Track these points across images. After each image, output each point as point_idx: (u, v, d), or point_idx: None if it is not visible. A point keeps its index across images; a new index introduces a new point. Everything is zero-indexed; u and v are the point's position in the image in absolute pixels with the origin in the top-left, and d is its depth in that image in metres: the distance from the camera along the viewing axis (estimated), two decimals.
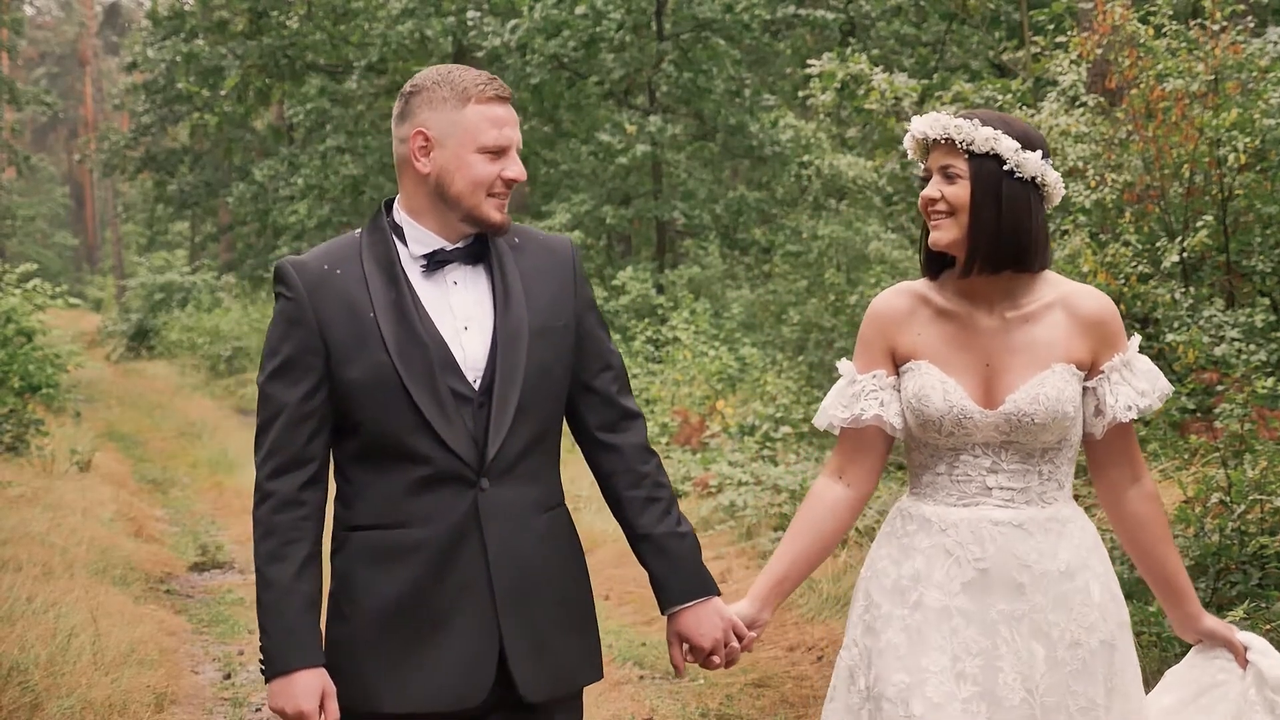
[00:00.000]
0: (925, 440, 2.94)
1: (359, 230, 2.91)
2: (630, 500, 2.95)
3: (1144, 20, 8.08)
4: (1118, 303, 6.28)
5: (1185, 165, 7.52)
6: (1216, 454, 6.14)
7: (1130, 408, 2.91)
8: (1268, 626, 5.10)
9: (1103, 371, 2.93)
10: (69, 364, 14.57)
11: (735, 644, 2.96)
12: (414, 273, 2.83)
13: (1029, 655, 2.82)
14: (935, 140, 2.91)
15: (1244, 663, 2.97)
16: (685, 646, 2.97)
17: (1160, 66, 7.58)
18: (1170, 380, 4.60)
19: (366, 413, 2.78)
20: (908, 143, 2.99)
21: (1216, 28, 7.67)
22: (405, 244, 2.85)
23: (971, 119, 2.89)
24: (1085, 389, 2.94)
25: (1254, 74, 7.54)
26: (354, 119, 23.44)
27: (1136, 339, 2.98)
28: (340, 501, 2.87)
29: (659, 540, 2.94)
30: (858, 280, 13.90)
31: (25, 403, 12.23)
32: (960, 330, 2.94)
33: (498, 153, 2.81)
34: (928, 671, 2.82)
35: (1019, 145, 2.86)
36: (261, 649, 2.78)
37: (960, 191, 2.88)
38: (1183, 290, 7.30)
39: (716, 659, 2.96)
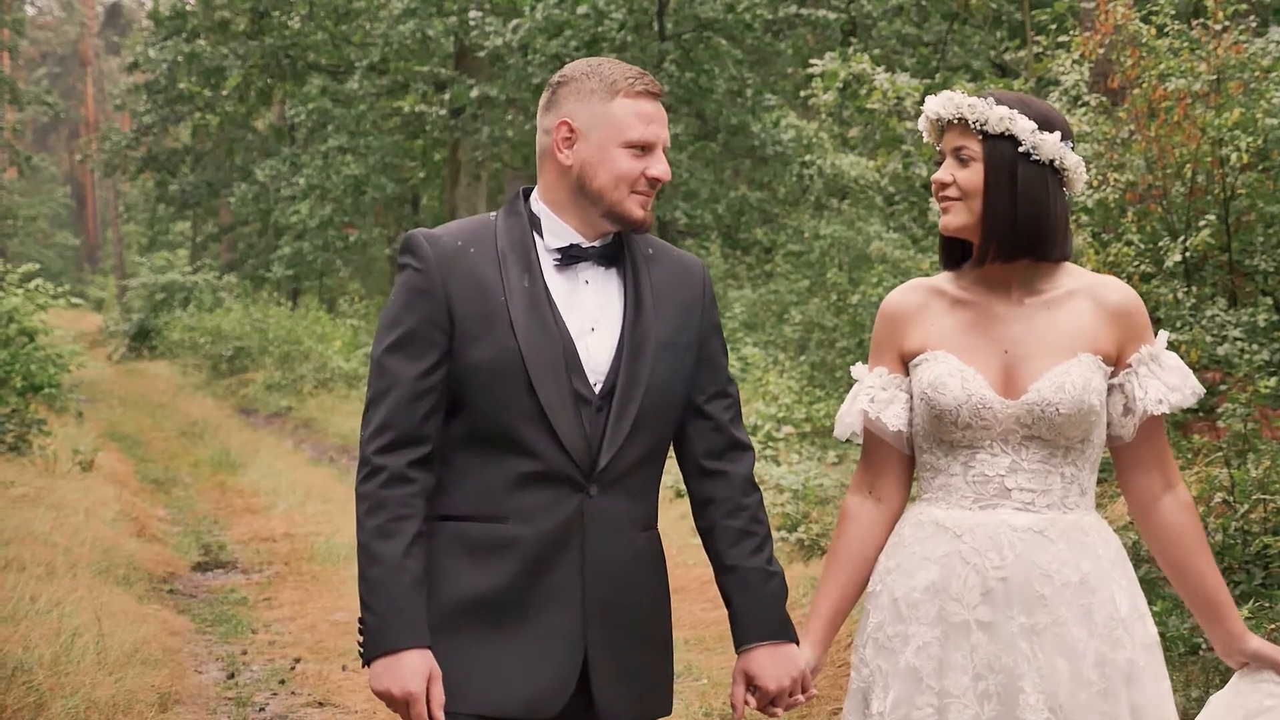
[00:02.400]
0: (939, 437, 2.75)
1: (493, 214, 2.81)
2: (725, 530, 2.82)
3: (1146, 20, 8.07)
4: None
5: (1188, 165, 7.50)
6: (1220, 454, 6.16)
7: (1161, 401, 2.71)
8: (1272, 626, 5.10)
9: (1130, 365, 2.74)
10: (71, 364, 14.54)
11: (800, 696, 2.82)
12: (547, 265, 2.74)
13: (1052, 672, 2.63)
14: (949, 121, 2.77)
15: None
16: (748, 689, 2.83)
17: (1162, 66, 7.57)
18: None
19: (482, 397, 2.67)
20: (922, 124, 2.83)
21: (1219, 27, 7.67)
22: (540, 235, 2.76)
23: (986, 98, 2.73)
24: (1111, 386, 2.75)
25: (1256, 74, 7.53)
26: (356, 119, 23.45)
27: (1164, 335, 2.79)
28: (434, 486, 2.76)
29: (746, 574, 2.81)
30: (859, 280, 13.88)
31: (27, 403, 12.22)
32: (977, 317, 2.77)
33: (643, 149, 2.72)
34: (950, 695, 2.66)
35: (1036, 126, 2.70)
36: (363, 627, 2.65)
37: (973, 175, 2.72)
38: (1185, 290, 7.29)
39: (779, 707, 2.81)
